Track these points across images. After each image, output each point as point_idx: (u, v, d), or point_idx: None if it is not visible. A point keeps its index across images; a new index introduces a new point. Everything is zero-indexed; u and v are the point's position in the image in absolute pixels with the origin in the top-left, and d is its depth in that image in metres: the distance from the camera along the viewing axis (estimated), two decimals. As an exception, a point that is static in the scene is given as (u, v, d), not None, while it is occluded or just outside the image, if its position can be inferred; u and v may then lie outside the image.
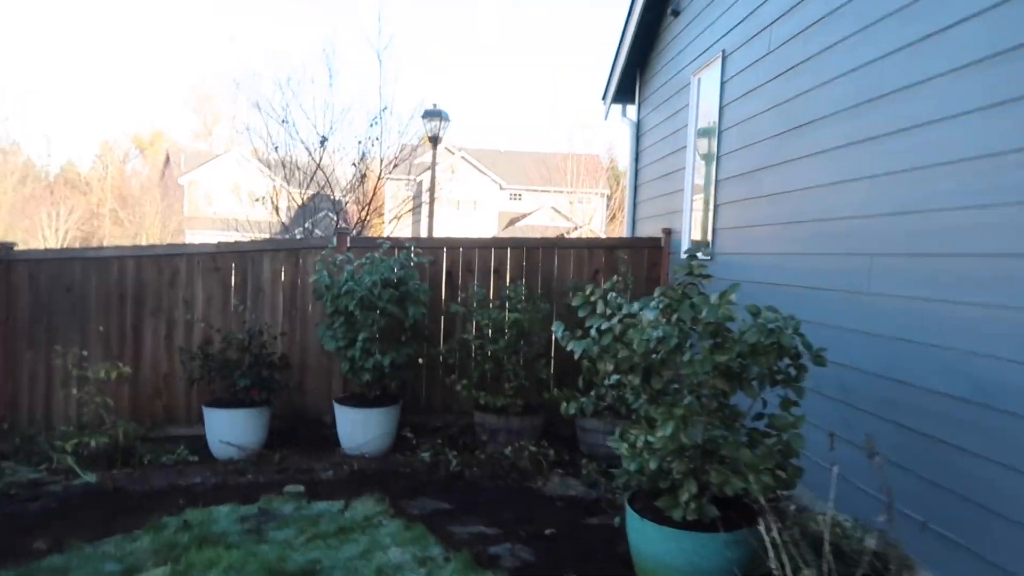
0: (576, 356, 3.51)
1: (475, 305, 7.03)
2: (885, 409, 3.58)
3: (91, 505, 5.37)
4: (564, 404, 3.80)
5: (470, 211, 46.69)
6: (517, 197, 50.93)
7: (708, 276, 3.38)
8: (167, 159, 50.01)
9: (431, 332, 7.46)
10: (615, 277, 7.07)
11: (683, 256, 7.33)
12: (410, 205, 19.99)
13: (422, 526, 4.77)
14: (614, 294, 3.55)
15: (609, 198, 40.14)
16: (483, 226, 44.05)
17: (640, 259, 7.59)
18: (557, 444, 6.66)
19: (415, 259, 6.87)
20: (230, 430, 6.65)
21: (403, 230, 18.84)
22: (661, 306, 3.26)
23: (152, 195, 43.00)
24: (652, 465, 3.13)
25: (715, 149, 6.26)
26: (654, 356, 3.11)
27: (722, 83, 6.19)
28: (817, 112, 4.41)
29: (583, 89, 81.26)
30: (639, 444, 3.15)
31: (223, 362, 6.82)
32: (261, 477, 6.06)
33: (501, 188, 49.81)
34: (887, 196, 3.72)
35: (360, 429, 6.69)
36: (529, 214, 46.22)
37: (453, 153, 41.93)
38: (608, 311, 3.42)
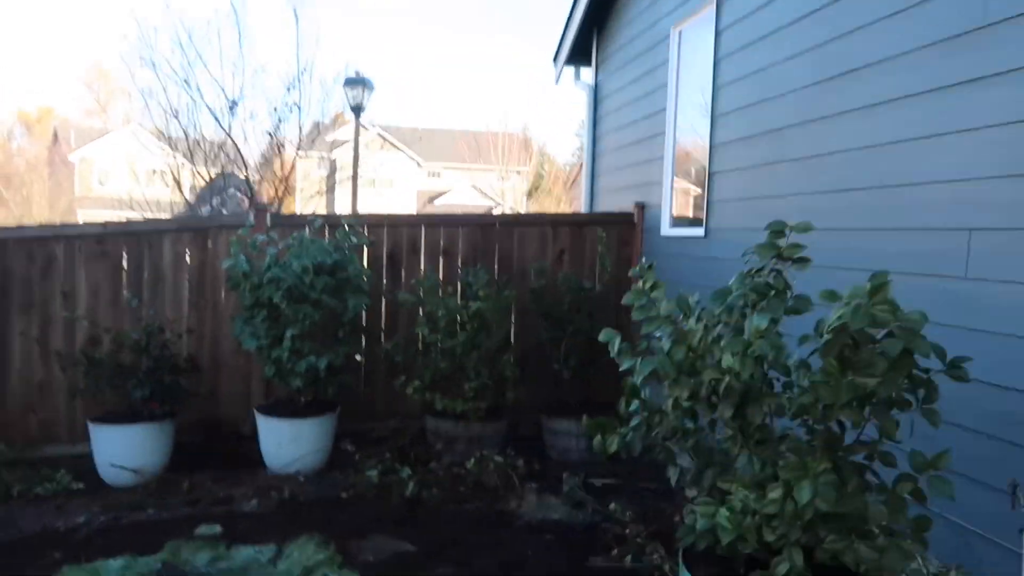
0: (639, 379, 2.52)
1: (425, 293, 5.95)
2: (1004, 427, 2.76)
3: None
4: (599, 438, 2.82)
5: (386, 190, 44.99)
6: (436, 175, 49.49)
7: (805, 260, 2.45)
8: (55, 136, 46.02)
9: (371, 326, 6.33)
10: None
11: (664, 234, 6.54)
12: (324, 185, 18.57)
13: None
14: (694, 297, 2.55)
15: (537, 176, 39.21)
16: (400, 206, 42.50)
17: (609, 238, 6.67)
18: (523, 450, 5.70)
19: (355, 240, 5.72)
20: (124, 451, 5.38)
21: (316, 212, 17.39)
22: (741, 305, 2.32)
23: (39, 174, 39.39)
24: (769, 537, 2.19)
25: (709, 109, 5.36)
26: (756, 378, 2.17)
27: (717, 32, 5.29)
28: (883, 51, 3.53)
29: (518, 59, 79.59)
30: (741, 506, 2.21)
31: (114, 368, 5.52)
32: (165, 512, 4.84)
33: (419, 166, 48.24)
34: (998, 155, 2.88)
35: (289, 444, 5.53)
36: (447, 192, 44.93)
37: (368, 129, 40.08)
38: (681, 314, 2.42)
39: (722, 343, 2.22)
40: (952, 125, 3.12)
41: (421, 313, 6.13)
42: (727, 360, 2.12)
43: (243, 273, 5.24)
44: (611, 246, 6.60)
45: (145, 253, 6.05)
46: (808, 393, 2.17)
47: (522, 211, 30.30)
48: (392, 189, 45.91)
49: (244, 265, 5.25)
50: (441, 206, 41.44)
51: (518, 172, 42.49)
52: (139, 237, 6.07)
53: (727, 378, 2.17)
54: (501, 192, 34.04)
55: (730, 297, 2.36)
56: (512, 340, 6.45)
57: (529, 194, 36.18)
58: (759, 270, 2.49)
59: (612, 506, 4.51)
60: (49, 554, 4.18)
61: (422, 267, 6.46)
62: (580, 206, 8.52)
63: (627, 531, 4.07)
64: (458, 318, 5.68)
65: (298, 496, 5.04)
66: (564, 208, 30.81)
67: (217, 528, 4.39)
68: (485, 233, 6.56)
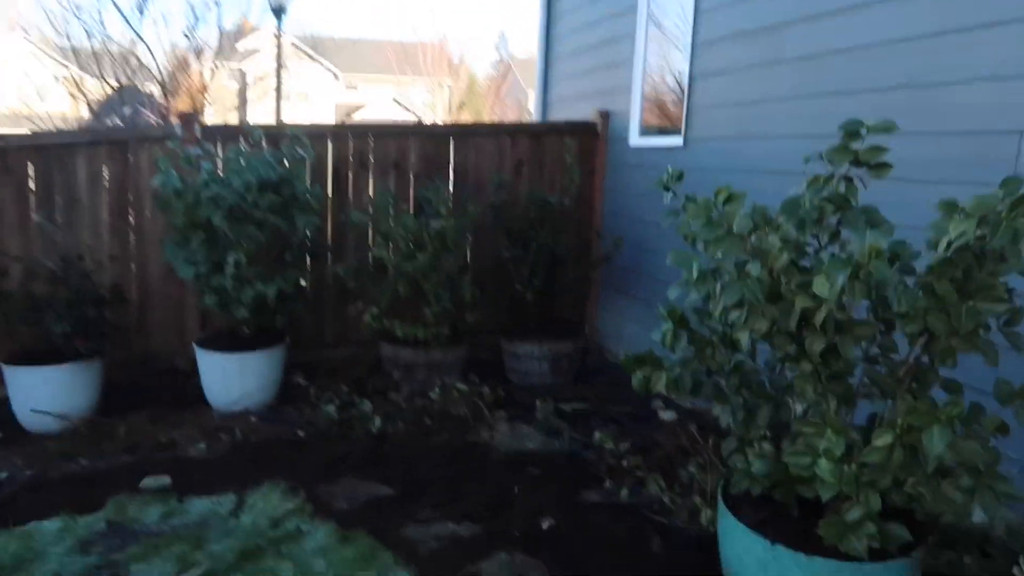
0: (718, 311, 2.13)
1: (380, 212, 5.43)
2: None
3: None
4: (639, 376, 2.46)
5: (302, 104, 42.78)
6: (354, 88, 47.27)
7: (885, 166, 2.08)
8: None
9: (316, 248, 5.79)
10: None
11: (634, 144, 6.14)
12: (237, 98, 17.27)
13: (364, 533, 3.36)
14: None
15: (471, 86, 37.77)
16: (318, 120, 40.54)
17: (570, 148, 6.24)
18: (484, 376, 5.40)
19: (301, 153, 5.10)
20: (47, 394, 4.80)
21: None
22: (816, 219, 1.96)
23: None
24: (847, 484, 1.88)
25: (692, 3, 4.91)
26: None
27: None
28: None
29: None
30: (835, 455, 1.90)
31: (27, 301, 4.86)
32: (101, 462, 4.33)
33: (336, 79, 45.91)
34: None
35: (236, 379, 5.05)
36: (365, 106, 43.02)
37: (279, 37, 37.61)
38: (768, 233, 2.02)
39: (819, 265, 1.88)
40: (1005, 13, 2.79)
41: (371, 234, 5.64)
42: (821, 286, 1.78)
43: (175, 191, 4.61)
44: (574, 157, 6.18)
45: (55, 171, 5.28)
46: (912, 322, 1.87)
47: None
48: (308, 103, 43.68)
49: (176, 182, 4.60)
50: (360, 121, 39.68)
51: (441, 85, 40.97)
52: (48, 152, 5.28)
53: (825, 307, 1.84)
54: (432, 105, 32.78)
55: (802, 210, 2.00)
56: (471, 259, 6.05)
57: (461, 106, 34.96)
58: (827, 179, 2.13)
59: (597, 435, 4.25)
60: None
61: (371, 183, 5.91)
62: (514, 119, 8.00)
63: (622, 462, 3.82)
64: (417, 239, 5.21)
65: (251, 437, 4.61)
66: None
67: (166, 479, 3.93)
68: (439, 144, 6.03)
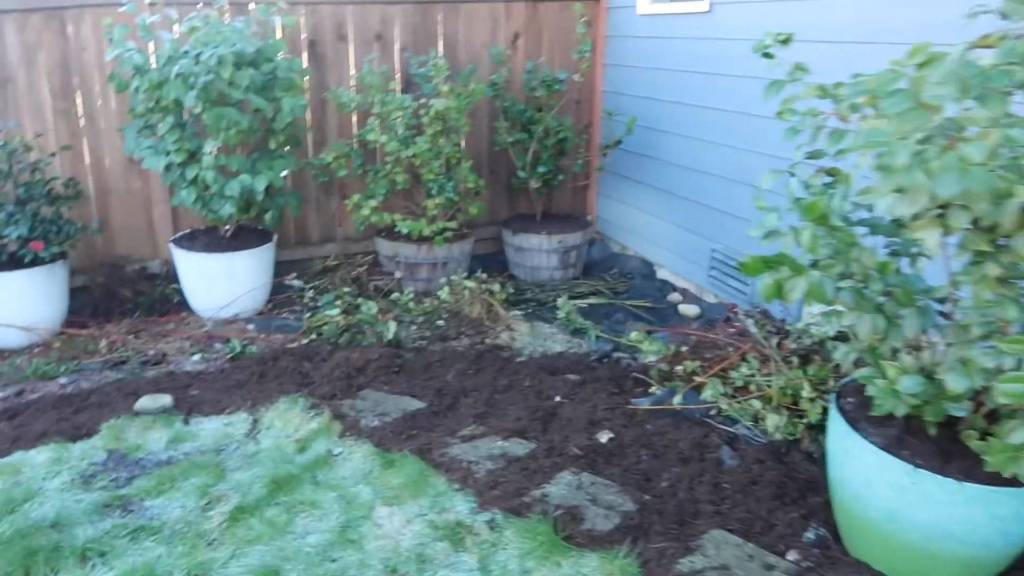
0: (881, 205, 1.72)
1: (371, 91, 4.83)
2: None
3: None
4: (771, 283, 2.03)
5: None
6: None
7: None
8: None
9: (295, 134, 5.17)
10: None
11: (643, 12, 5.56)
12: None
13: (407, 454, 3.04)
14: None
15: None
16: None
17: (564, 19, 5.65)
18: (487, 272, 5.05)
19: (280, 19, 4.40)
20: (7, 305, 4.24)
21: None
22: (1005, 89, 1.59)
23: None
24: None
25: None
26: None
27: None
28: None
29: None
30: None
31: (-29, 202, 4.22)
32: (84, 381, 3.88)
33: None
34: None
35: (223, 283, 4.56)
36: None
37: None
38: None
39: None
40: None
41: (355, 118, 5.06)
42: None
43: (136, 68, 3.93)
44: (569, 28, 5.60)
45: (-20, 45, 4.48)
46: None
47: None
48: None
49: (136, 57, 3.92)
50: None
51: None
52: (-33, 22, 4.45)
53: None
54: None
55: (993, 72, 1.61)
56: (479, 143, 5.55)
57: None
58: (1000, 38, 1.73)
59: (633, 334, 3.96)
60: (-60, 451, 3.21)
61: (352, 58, 5.25)
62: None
63: (675, 368, 3.55)
64: (415, 121, 4.66)
65: (250, 346, 4.19)
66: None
67: (166, 399, 3.51)
68: (426, 14, 5.35)
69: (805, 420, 3.05)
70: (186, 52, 3.96)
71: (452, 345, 4.24)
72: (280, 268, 5.03)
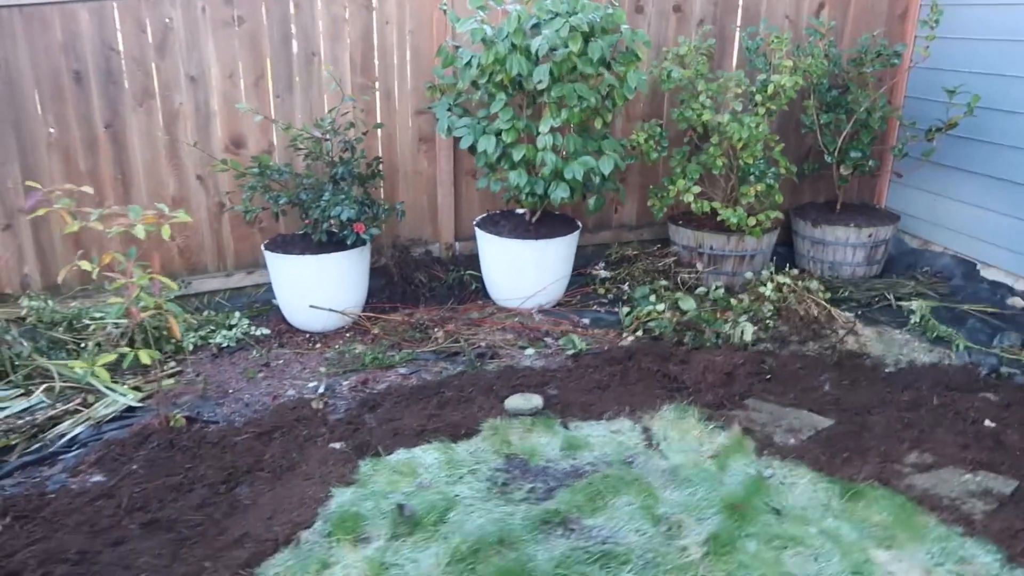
0: None
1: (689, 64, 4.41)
2: None
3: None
4: None
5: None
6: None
7: None
8: None
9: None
10: None
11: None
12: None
13: (870, 485, 2.63)
14: None
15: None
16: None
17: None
18: (781, 266, 4.62)
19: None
20: (325, 287, 4.11)
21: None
22: None
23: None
24: None
25: None
26: None
27: None
28: None
29: None
30: None
31: (295, 179, 4.09)
32: (424, 372, 3.67)
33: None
34: None
35: (531, 271, 4.29)
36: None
37: None
38: None
39: None
40: None
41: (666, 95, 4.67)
42: None
43: (484, 41, 3.66)
44: (884, -1, 5.03)
45: (293, 19, 4.33)
46: None
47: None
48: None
49: (487, 30, 3.64)
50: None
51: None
52: (281, -5, 4.31)
53: None
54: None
55: None
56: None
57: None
58: None
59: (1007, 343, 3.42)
60: (296, 435, 3.04)
61: (650, 30, 4.85)
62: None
63: None
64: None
65: (580, 343, 3.87)
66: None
67: (537, 400, 3.23)
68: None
69: None
70: (536, 24, 3.65)
71: (798, 350, 3.81)
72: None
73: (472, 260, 4.69)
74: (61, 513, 2.65)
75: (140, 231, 2.79)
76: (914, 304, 4.08)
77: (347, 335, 4.14)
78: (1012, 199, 4.54)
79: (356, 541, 2.48)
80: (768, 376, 3.45)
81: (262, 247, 4.22)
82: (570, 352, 3.76)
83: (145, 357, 2.93)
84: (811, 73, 4.28)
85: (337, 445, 3.01)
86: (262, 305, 4.48)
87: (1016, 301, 4.47)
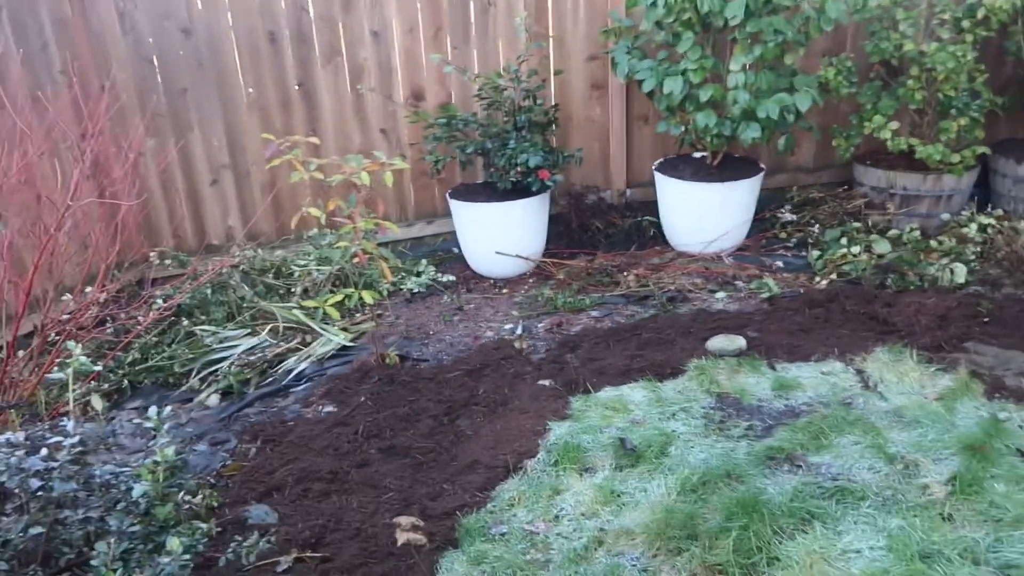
0: None
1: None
2: None
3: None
4: None
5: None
6: None
7: None
8: None
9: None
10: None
11: None
12: None
13: None
14: None
15: None
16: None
17: None
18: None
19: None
20: (510, 234, 4.22)
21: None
22: None
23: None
24: None
25: None
26: None
27: None
28: None
29: None
30: None
31: (485, 129, 4.19)
32: (616, 315, 3.72)
33: None
34: None
35: (714, 215, 4.23)
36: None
37: None
38: None
39: None
40: None
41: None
42: None
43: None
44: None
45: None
46: None
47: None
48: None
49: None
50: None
51: None
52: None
53: None
54: None
55: None
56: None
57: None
58: None
59: None
60: (504, 372, 3.15)
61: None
62: None
63: None
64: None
65: (772, 285, 3.79)
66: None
67: (741, 341, 3.22)
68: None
69: None
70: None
71: (1013, 293, 3.58)
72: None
73: (647, 206, 4.66)
74: (305, 438, 2.90)
75: (365, 178, 2.96)
76: None
77: (531, 281, 4.25)
78: None
79: (582, 470, 2.57)
80: (986, 319, 3.26)
81: (447, 196, 4.37)
82: (764, 295, 3.69)
83: (368, 297, 3.14)
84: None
85: (546, 382, 3.12)
86: (444, 253, 4.65)
87: None
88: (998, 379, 2.82)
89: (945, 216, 4.31)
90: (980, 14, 3.84)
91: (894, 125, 4.08)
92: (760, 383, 2.97)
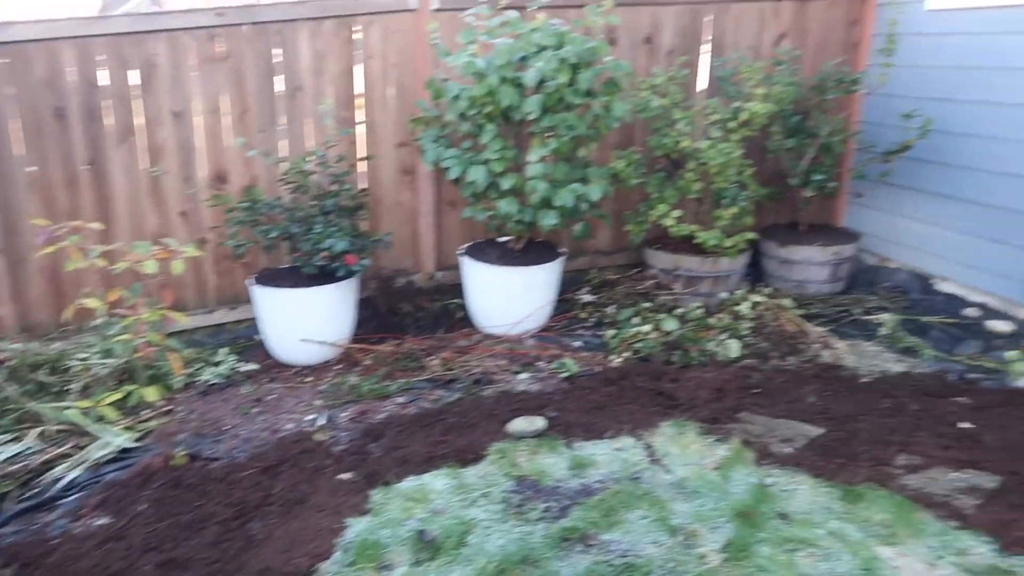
0: None
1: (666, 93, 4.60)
2: None
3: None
4: None
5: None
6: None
7: None
8: None
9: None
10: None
11: (932, 7, 5.27)
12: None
13: (868, 487, 2.77)
14: None
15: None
16: None
17: (832, 14, 5.37)
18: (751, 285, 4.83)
19: (604, 19, 4.16)
20: (315, 320, 4.12)
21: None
22: None
23: None
24: None
25: None
26: None
27: None
28: None
29: None
30: None
31: (288, 214, 4.12)
32: (421, 400, 3.71)
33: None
34: None
35: (519, 297, 4.38)
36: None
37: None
38: None
39: None
40: None
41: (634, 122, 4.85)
42: None
43: (475, 74, 3.77)
44: (832, 29, 5.32)
45: (272, 54, 4.39)
46: None
47: None
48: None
49: (479, 63, 3.76)
50: None
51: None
52: (265, 32, 4.36)
53: None
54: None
55: None
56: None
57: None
58: None
59: (1008, 353, 3.65)
60: (303, 467, 3.05)
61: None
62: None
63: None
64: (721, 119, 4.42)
65: (570, 364, 3.96)
66: None
67: (540, 422, 3.31)
68: (695, 15, 5.11)
69: None
70: (523, 57, 3.78)
71: (779, 364, 3.97)
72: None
73: (455, 289, 4.75)
74: (70, 558, 2.61)
75: (150, 266, 2.79)
76: (884, 317, 4.29)
77: (337, 367, 4.16)
78: (964, 216, 4.81)
79: (379, 569, 2.50)
80: (756, 390, 3.58)
81: (249, 282, 4.22)
82: (564, 375, 3.84)
83: (152, 394, 2.93)
84: (782, 100, 4.50)
85: (346, 476, 3.03)
86: (247, 341, 4.46)
87: (971, 312, 4.71)
88: (765, 446, 3.08)
89: (723, 295, 4.74)
90: (743, 117, 4.34)
91: (677, 213, 4.47)
92: (558, 463, 3.06)
